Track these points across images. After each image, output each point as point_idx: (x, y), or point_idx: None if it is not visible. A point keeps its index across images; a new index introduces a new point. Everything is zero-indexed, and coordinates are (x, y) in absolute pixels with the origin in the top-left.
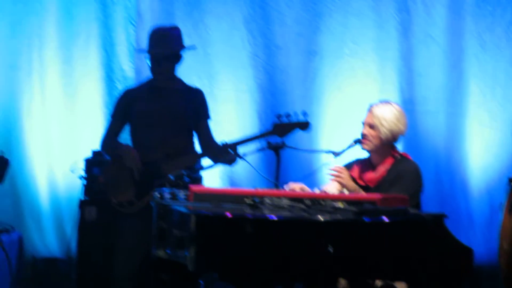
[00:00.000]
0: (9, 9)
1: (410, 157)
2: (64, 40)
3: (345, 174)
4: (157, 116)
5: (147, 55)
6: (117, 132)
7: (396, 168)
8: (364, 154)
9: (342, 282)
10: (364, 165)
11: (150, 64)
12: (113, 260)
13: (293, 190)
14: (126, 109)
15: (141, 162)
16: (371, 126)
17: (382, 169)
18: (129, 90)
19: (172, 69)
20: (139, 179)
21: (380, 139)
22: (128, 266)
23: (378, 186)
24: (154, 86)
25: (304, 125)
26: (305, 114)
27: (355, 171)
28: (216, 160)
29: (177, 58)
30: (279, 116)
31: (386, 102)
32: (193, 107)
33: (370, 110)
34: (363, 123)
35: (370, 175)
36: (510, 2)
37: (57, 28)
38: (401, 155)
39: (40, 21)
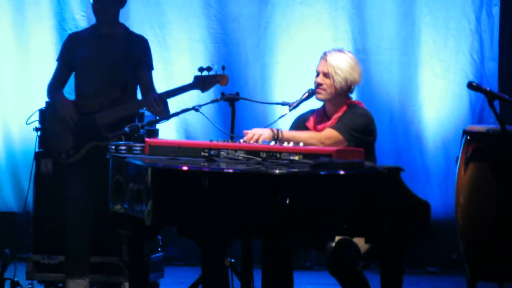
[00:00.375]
0: None
1: (364, 106)
2: None
3: (257, 135)
4: (95, 64)
5: None
6: (63, 78)
7: (348, 112)
8: (318, 104)
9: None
10: (319, 115)
11: (92, 2)
12: (65, 212)
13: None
14: (70, 54)
15: (77, 113)
16: (325, 75)
17: (336, 117)
18: (72, 35)
19: (114, 12)
20: (75, 130)
21: (335, 87)
22: (78, 217)
23: None
24: (97, 32)
25: (223, 79)
26: (224, 68)
27: (311, 122)
28: (150, 111)
29: (120, 0)
30: (200, 69)
31: (340, 50)
32: (132, 56)
33: (324, 58)
34: (317, 71)
35: (325, 125)
36: None
37: None
38: (354, 103)
39: None
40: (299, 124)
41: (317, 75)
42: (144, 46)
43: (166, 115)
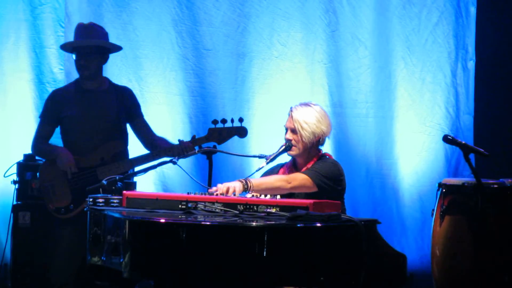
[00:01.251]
0: None
1: (333, 157)
2: None
3: (232, 188)
4: (89, 120)
5: (72, 50)
6: (47, 135)
7: (318, 162)
8: (287, 158)
9: None
10: (288, 168)
11: (75, 58)
12: (50, 266)
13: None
14: (55, 112)
15: (76, 167)
16: (293, 131)
17: (306, 168)
18: (57, 91)
19: (98, 67)
20: (74, 184)
21: (303, 142)
22: (64, 272)
23: None
24: (82, 88)
25: (242, 132)
26: (241, 120)
27: (281, 174)
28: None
29: (103, 55)
30: (215, 122)
31: (306, 104)
32: (124, 107)
33: (290, 114)
34: (285, 128)
35: None
36: (436, 4)
37: None
38: (324, 154)
39: None
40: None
41: (286, 131)
42: (133, 95)
43: (143, 168)
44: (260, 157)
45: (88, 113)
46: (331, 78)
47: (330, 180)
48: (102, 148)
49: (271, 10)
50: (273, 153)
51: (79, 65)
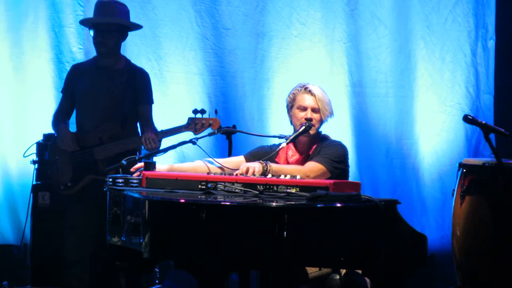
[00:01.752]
0: None
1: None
2: (12, 22)
3: (251, 168)
4: (95, 97)
5: (91, 26)
6: (67, 110)
7: (324, 145)
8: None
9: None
10: (290, 149)
11: (93, 35)
12: (64, 244)
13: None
14: (72, 86)
15: (77, 145)
16: (315, 110)
17: (312, 150)
18: (75, 66)
19: (115, 45)
20: (74, 162)
21: (321, 122)
22: (77, 250)
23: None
24: (97, 64)
25: (215, 123)
26: (216, 112)
27: (281, 158)
28: (145, 148)
29: (121, 33)
30: (194, 111)
31: (313, 85)
32: (132, 90)
33: (309, 93)
34: (303, 107)
35: (298, 158)
36: None
37: (5, 9)
38: (324, 136)
39: None
40: (259, 155)
41: (303, 109)
42: (145, 80)
43: (163, 148)
44: (280, 137)
45: (95, 90)
46: (351, 58)
47: (341, 163)
48: (101, 128)
49: None
50: (293, 133)
51: (96, 42)
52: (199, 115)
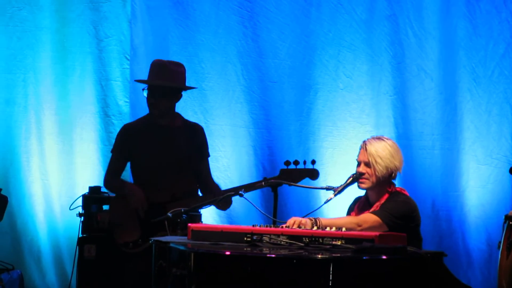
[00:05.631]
0: (4, 43)
1: (407, 192)
2: (59, 75)
3: (298, 222)
4: (161, 157)
5: (144, 86)
6: (119, 169)
7: (389, 199)
8: (363, 191)
9: None
10: (362, 203)
11: (146, 96)
12: None
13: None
14: (126, 147)
15: (147, 203)
16: (367, 164)
17: (378, 205)
18: (128, 126)
19: (169, 105)
20: (144, 220)
21: (376, 176)
22: None
23: None
24: (154, 124)
25: (314, 174)
26: (314, 162)
27: (355, 211)
28: (215, 204)
29: (175, 94)
30: (287, 163)
31: (379, 138)
32: (196, 146)
33: (363, 148)
34: (358, 161)
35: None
36: (502, 35)
37: (52, 63)
38: (396, 190)
39: (35, 56)
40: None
41: (358, 164)
42: (203, 135)
43: (207, 201)
44: (328, 189)
45: (161, 150)
46: (397, 110)
47: (401, 219)
48: (173, 185)
49: (336, 42)
50: (341, 185)
51: (150, 103)
52: (292, 166)
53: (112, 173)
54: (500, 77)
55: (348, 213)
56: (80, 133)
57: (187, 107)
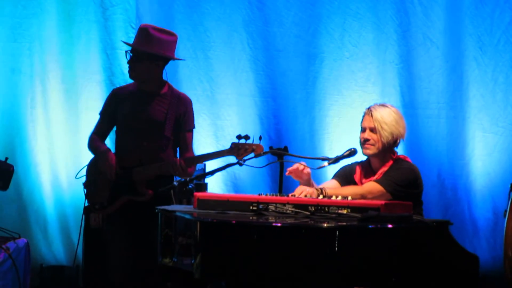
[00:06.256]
0: (9, 11)
1: (410, 160)
2: (65, 44)
3: (305, 192)
4: (137, 120)
5: (129, 48)
6: (104, 132)
7: (393, 167)
8: (364, 157)
9: None
10: (364, 168)
11: (127, 59)
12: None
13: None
14: (112, 109)
15: (117, 166)
16: (372, 130)
17: (382, 172)
18: (116, 90)
19: (146, 70)
20: (113, 183)
21: (382, 142)
22: (118, 271)
23: None
24: (139, 90)
25: (258, 149)
26: (260, 138)
27: (357, 175)
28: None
29: (153, 61)
30: (238, 137)
31: (384, 105)
32: (173, 115)
33: (369, 114)
34: (363, 127)
35: (370, 179)
36: (509, 3)
37: (57, 31)
38: (399, 157)
39: (40, 24)
40: (345, 174)
41: (363, 130)
42: (188, 106)
43: (211, 170)
44: (323, 159)
45: (134, 114)
46: (403, 79)
47: (405, 187)
48: (142, 149)
49: (342, 10)
50: (337, 156)
51: (129, 67)
52: (242, 141)
53: (95, 134)
54: (506, 46)
55: (343, 173)
56: (86, 102)
57: (192, 76)
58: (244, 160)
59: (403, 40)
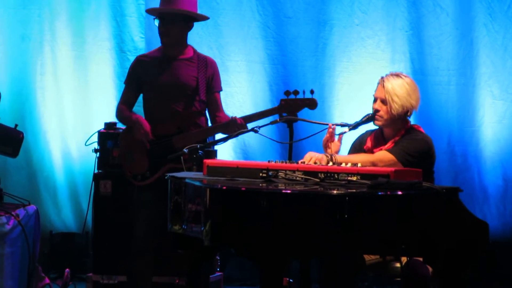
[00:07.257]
0: None
1: (423, 130)
2: (75, 10)
3: (315, 158)
4: (167, 88)
5: (156, 15)
6: (131, 101)
7: (406, 136)
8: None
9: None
10: (376, 138)
11: (158, 25)
12: (133, 233)
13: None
14: (138, 78)
15: (152, 135)
16: (383, 101)
17: (393, 141)
18: (140, 57)
19: (180, 33)
20: (151, 152)
21: (392, 114)
22: (145, 239)
23: None
24: (165, 55)
25: (312, 103)
26: (312, 92)
27: (368, 145)
28: (226, 133)
29: (186, 23)
30: (287, 93)
31: (397, 75)
32: (204, 79)
33: (381, 83)
34: (374, 97)
35: (381, 148)
36: None
37: None
38: (412, 127)
39: None
40: (358, 146)
41: (375, 100)
42: (215, 68)
43: (223, 137)
44: (342, 125)
45: (168, 81)
46: (412, 46)
47: (416, 157)
48: (179, 117)
49: None
50: (356, 122)
51: (160, 32)
52: (292, 96)
53: (123, 104)
54: None
55: (356, 145)
56: (96, 69)
57: (202, 43)
58: (259, 128)
59: (413, 7)
